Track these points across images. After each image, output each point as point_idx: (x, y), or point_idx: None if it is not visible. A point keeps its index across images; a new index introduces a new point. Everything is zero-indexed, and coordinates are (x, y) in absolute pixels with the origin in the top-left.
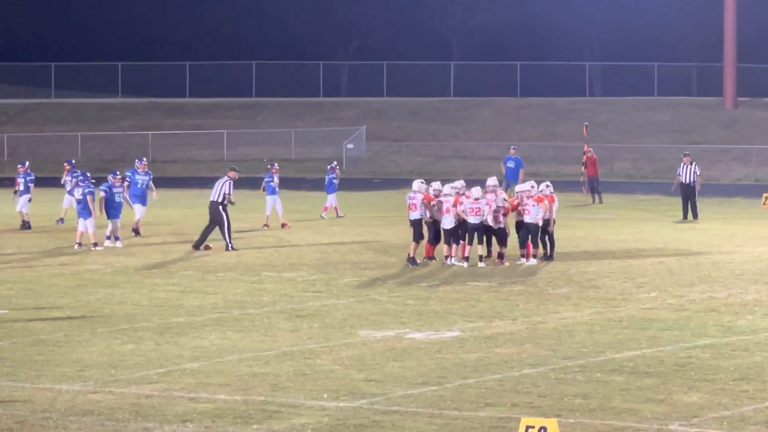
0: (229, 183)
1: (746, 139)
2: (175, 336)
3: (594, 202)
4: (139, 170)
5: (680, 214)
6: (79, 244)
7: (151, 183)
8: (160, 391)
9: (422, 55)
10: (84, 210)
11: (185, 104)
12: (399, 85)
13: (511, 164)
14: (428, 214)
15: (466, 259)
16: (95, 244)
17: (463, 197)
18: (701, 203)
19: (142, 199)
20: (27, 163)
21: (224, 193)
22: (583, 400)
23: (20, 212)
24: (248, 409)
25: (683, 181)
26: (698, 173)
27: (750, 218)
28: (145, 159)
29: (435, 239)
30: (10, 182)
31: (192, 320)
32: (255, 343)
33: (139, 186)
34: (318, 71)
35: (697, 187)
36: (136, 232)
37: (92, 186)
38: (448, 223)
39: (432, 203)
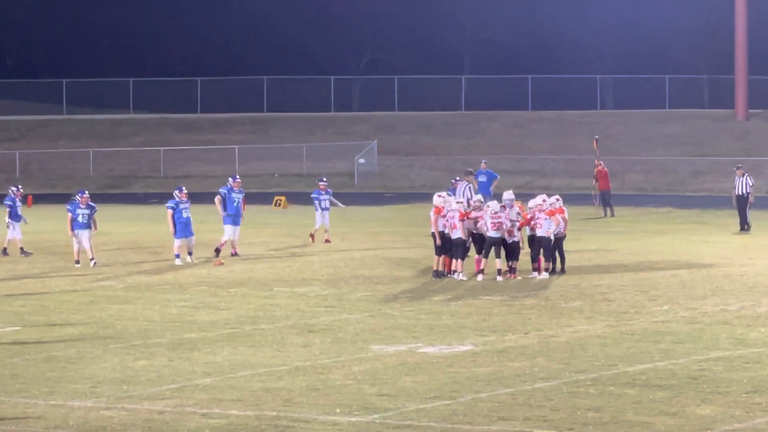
0: (470, 187)
1: (758, 151)
2: (188, 352)
3: (606, 215)
4: (234, 188)
5: (691, 227)
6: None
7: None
8: (172, 407)
9: (433, 69)
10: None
11: (197, 120)
12: (410, 100)
13: (483, 178)
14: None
15: (482, 272)
16: (92, 259)
17: (483, 212)
18: (715, 216)
19: (236, 218)
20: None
21: (468, 198)
22: (595, 414)
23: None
24: (261, 424)
25: (738, 193)
26: (751, 184)
27: (762, 230)
28: (238, 176)
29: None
30: (22, 198)
31: (204, 336)
32: (267, 359)
33: (235, 204)
34: (329, 86)
35: (750, 198)
36: (233, 253)
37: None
38: (455, 237)
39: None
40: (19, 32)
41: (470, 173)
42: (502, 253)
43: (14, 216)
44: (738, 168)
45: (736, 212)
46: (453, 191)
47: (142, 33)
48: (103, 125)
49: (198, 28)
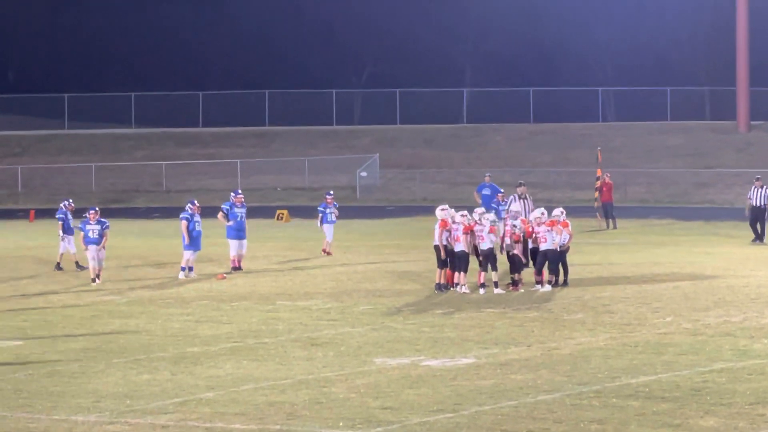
0: (515, 197)
1: (760, 163)
2: (191, 366)
3: (608, 227)
4: (236, 203)
5: (693, 239)
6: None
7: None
8: (176, 421)
9: (435, 82)
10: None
11: (198, 134)
12: (412, 113)
13: (487, 191)
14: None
15: (483, 285)
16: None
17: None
18: (718, 227)
19: (240, 232)
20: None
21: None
22: (599, 426)
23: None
24: None
25: (754, 204)
26: None
27: (765, 241)
28: (240, 191)
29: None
30: (24, 213)
31: (207, 350)
32: (270, 372)
33: (239, 219)
34: (331, 99)
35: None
36: (237, 268)
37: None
38: (458, 249)
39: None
40: (21, 47)
41: (521, 184)
42: (506, 264)
43: (67, 230)
44: (757, 179)
45: (739, 223)
46: (498, 204)
47: (143, 47)
48: (104, 140)
49: (199, 42)
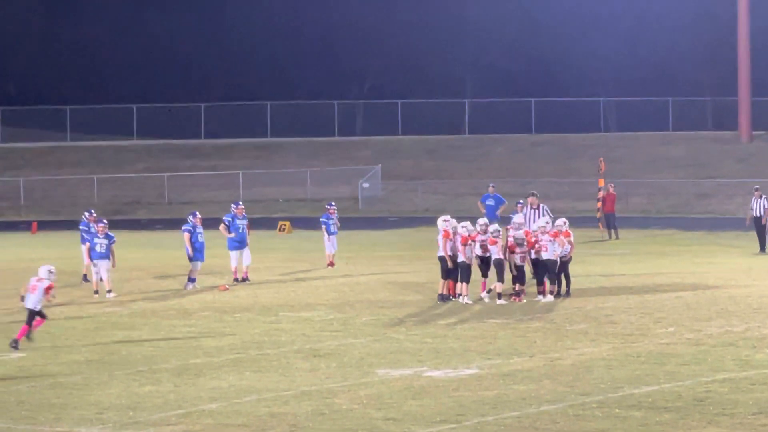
0: (527, 207)
1: (762, 173)
2: (194, 377)
3: (610, 237)
4: (237, 214)
5: (695, 249)
6: (96, 292)
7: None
8: None
9: (436, 93)
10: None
11: (200, 145)
12: (413, 124)
13: (491, 202)
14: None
15: (488, 292)
16: (109, 291)
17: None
18: (719, 238)
19: (242, 244)
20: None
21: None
22: None
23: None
24: None
25: (756, 215)
26: (767, 207)
27: (766, 251)
28: (241, 203)
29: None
30: (26, 225)
31: (210, 361)
32: (273, 384)
33: (240, 231)
34: (333, 111)
35: (763, 221)
36: (244, 279)
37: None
38: (459, 260)
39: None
40: (22, 59)
41: (532, 195)
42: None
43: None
44: (756, 189)
45: (741, 234)
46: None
47: (145, 59)
48: (107, 152)
49: (201, 55)
